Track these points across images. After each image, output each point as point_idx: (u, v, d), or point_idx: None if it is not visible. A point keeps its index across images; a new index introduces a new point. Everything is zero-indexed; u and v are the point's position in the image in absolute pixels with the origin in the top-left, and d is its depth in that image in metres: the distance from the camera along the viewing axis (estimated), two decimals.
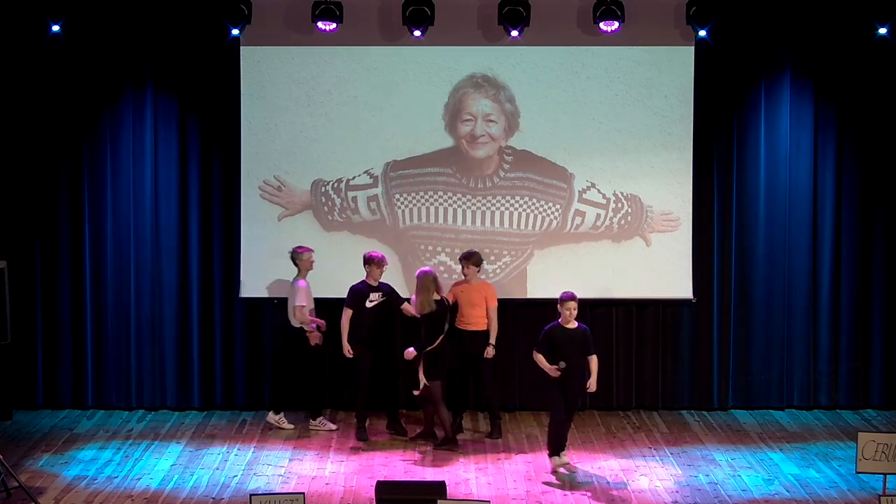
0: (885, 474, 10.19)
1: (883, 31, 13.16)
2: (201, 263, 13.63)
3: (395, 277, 13.48)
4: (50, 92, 13.38)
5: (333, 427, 13.01)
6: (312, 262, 12.95)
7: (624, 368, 13.81)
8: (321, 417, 13.09)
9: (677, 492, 11.24)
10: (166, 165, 13.54)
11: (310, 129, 13.45)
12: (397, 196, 13.50)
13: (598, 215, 13.53)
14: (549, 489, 11.27)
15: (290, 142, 13.46)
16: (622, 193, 13.53)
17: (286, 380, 13.18)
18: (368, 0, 13.28)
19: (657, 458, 12.20)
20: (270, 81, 13.42)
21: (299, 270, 12.92)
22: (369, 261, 12.71)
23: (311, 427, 13.01)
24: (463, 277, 12.86)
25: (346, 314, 12.75)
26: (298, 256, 12.89)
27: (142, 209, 13.55)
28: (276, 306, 13.58)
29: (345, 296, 13.04)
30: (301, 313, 12.82)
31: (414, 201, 13.52)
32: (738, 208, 13.70)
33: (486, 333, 12.72)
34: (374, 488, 10.37)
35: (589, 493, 11.18)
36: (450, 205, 13.54)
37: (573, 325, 11.61)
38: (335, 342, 12.91)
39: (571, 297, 11.64)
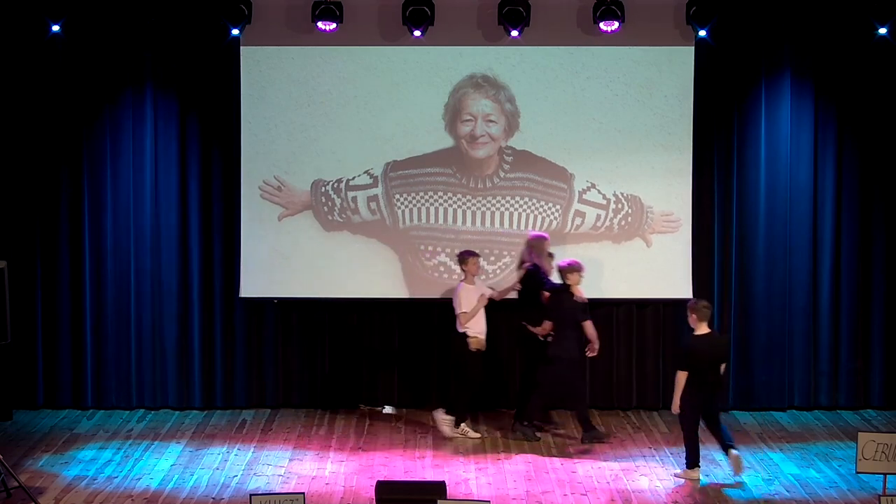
0: (885, 474, 10.18)
1: (883, 31, 13.16)
2: (201, 263, 13.63)
3: (396, 278, 13.50)
4: (50, 92, 13.38)
5: (476, 436, 12.75)
6: (478, 266, 12.82)
7: (624, 368, 13.81)
8: (464, 424, 12.82)
9: (677, 492, 11.25)
10: (166, 165, 13.55)
11: (310, 129, 13.45)
12: (397, 196, 13.50)
13: (599, 216, 13.53)
14: (549, 489, 11.27)
15: (290, 142, 13.46)
16: (622, 194, 13.52)
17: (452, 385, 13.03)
18: (368, 0, 13.28)
19: (657, 458, 12.20)
20: (270, 81, 13.42)
21: (465, 274, 12.81)
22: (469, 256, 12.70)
23: (455, 433, 12.71)
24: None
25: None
26: (464, 261, 12.76)
27: (142, 209, 13.55)
28: (276, 305, 13.60)
29: (345, 296, 13.37)
30: (463, 319, 12.68)
31: (414, 201, 13.52)
32: (739, 208, 13.70)
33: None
34: (374, 488, 10.36)
35: (589, 493, 11.18)
36: (450, 205, 13.54)
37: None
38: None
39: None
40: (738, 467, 11.57)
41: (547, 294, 12.65)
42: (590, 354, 12.63)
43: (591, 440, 12.49)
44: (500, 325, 13.21)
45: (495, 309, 12.98)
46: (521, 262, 13.00)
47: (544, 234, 13.09)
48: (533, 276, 12.78)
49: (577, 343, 12.50)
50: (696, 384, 11.37)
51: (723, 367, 11.58)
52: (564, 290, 12.51)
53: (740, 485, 11.46)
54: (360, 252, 13.48)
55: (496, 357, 13.37)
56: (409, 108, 13.46)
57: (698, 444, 11.61)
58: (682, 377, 11.33)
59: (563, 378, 12.49)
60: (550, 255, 12.97)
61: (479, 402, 13.19)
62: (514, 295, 12.97)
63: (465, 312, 12.66)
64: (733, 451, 11.57)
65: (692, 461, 11.59)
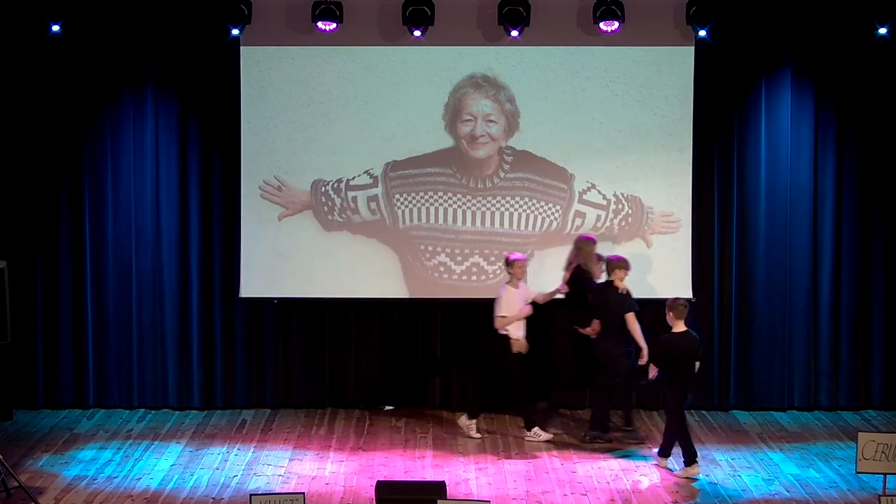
0: (885, 474, 10.18)
1: (883, 31, 13.16)
2: (201, 263, 13.63)
3: (396, 278, 13.50)
4: (50, 92, 13.38)
5: (549, 436, 12.68)
6: (523, 270, 12.67)
7: None
8: (536, 427, 12.72)
9: (677, 492, 11.25)
10: (166, 165, 13.54)
11: (310, 129, 13.45)
12: (397, 196, 13.50)
13: (599, 216, 13.53)
14: (549, 489, 11.27)
15: (290, 142, 13.46)
16: (622, 195, 13.52)
17: (487, 385, 12.97)
18: (368, 0, 13.28)
19: (657, 458, 12.19)
20: (270, 81, 13.42)
21: (510, 277, 12.71)
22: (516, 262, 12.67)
23: (526, 439, 12.66)
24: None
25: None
26: (510, 264, 12.65)
27: (142, 209, 13.55)
28: (276, 305, 13.60)
29: (345, 296, 13.41)
30: (499, 323, 12.61)
31: (414, 201, 13.52)
32: (739, 208, 13.69)
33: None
34: (374, 488, 10.37)
35: (589, 493, 11.18)
36: (450, 205, 13.54)
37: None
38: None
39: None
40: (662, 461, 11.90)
41: (591, 294, 12.68)
42: (641, 362, 12.55)
43: (592, 440, 12.49)
44: (546, 326, 13.31)
45: (544, 309, 13.00)
46: (569, 264, 12.99)
47: (592, 235, 13.07)
48: (579, 278, 12.76)
49: (621, 338, 12.53)
50: (677, 380, 11.61)
51: (697, 365, 11.74)
52: (608, 286, 12.54)
53: (682, 477, 11.68)
54: (360, 252, 13.48)
55: (539, 358, 13.35)
56: (409, 108, 13.46)
57: (691, 439, 11.72)
58: (652, 371, 11.91)
59: (618, 371, 12.56)
60: (600, 258, 12.94)
61: (495, 402, 13.19)
62: (561, 296, 12.96)
63: (503, 316, 12.60)
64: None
65: (689, 457, 11.63)
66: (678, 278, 13.57)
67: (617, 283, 12.49)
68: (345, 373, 13.78)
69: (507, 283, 12.73)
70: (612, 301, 12.47)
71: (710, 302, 13.70)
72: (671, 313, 11.71)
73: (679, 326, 11.70)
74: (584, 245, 12.92)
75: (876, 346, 13.82)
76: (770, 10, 13.39)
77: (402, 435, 12.91)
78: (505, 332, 12.62)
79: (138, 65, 13.42)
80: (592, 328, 12.65)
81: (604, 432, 12.59)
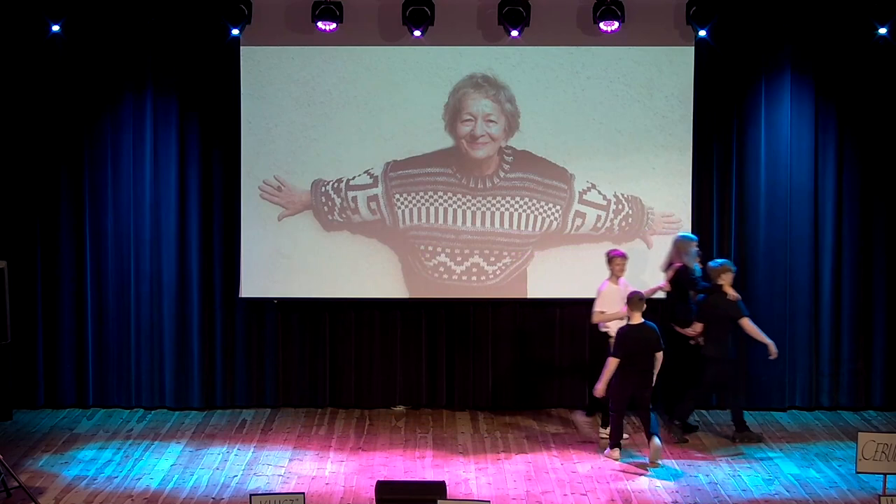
0: (885, 474, 10.18)
1: (883, 31, 13.17)
2: (201, 263, 13.63)
3: (396, 278, 13.50)
4: (50, 92, 13.38)
5: (625, 438, 12.55)
6: (622, 267, 12.63)
7: None
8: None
9: (677, 492, 11.25)
10: (166, 165, 13.55)
11: (310, 129, 13.46)
12: (397, 196, 13.50)
13: (599, 217, 13.53)
14: (549, 489, 11.27)
15: (290, 142, 13.46)
16: (623, 195, 13.52)
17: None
18: (368, 0, 13.28)
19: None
20: (270, 81, 13.42)
21: (610, 274, 12.70)
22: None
23: (602, 433, 12.65)
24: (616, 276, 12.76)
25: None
26: (610, 260, 12.67)
27: (142, 209, 13.55)
28: (276, 305, 13.60)
29: (345, 296, 13.43)
30: (596, 318, 12.63)
31: (414, 201, 13.52)
32: (739, 208, 13.70)
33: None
34: (374, 488, 10.37)
35: (589, 493, 11.18)
36: (450, 205, 13.54)
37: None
38: None
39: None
40: (654, 455, 11.86)
41: (697, 294, 12.72)
42: (772, 357, 12.63)
43: (742, 440, 12.58)
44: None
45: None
46: (669, 263, 13.00)
47: (691, 234, 13.06)
48: (682, 277, 12.76)
49: (733, 343, 12.60)
50: (626, 371, 11.86)
51: (658, 356, 11.96)
52: (717, 290, 12.55)
53: (645, 466, 11.83)
54: (360, 252, 13.49)
55: None
56: (409, 108, 13.46)
57: (622, 427, 12.11)
58: (612, 363, 11.93)
59: (721, 379, 12.65)
60: (700, 259, 12.95)
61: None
62: (662, 295, 12.96)
63: (601, 312, 12.61)
64: (655, 440, 11.86)
65: (614, 442, 12.06)
66: None
67: (726, 288, 12.51)
68: (345, 373, 13.79)
69: (608, 279, 12.70)
70: (721, 306, 12.46)
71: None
72: (627, 306, 11.99)
73: (636, 319, 11.94)
74: (681, 244, 12.90)
75: (877, 347, 13.81)
76: (770, 10, 13.39)
77: (402, 435, 12.91)
78: (605, 330, 12.61)
79: (138, 65, 13.42)
80: (693, 329, 12.66)
81: (740, 431, 12.65)
